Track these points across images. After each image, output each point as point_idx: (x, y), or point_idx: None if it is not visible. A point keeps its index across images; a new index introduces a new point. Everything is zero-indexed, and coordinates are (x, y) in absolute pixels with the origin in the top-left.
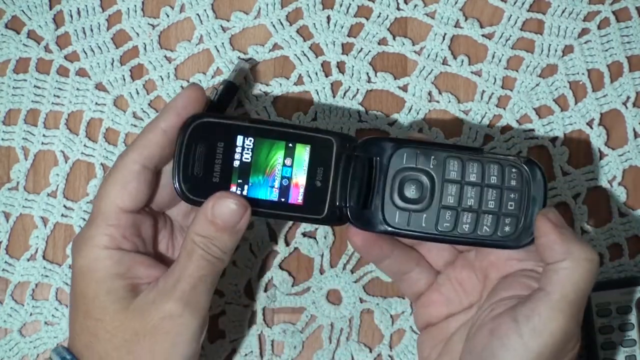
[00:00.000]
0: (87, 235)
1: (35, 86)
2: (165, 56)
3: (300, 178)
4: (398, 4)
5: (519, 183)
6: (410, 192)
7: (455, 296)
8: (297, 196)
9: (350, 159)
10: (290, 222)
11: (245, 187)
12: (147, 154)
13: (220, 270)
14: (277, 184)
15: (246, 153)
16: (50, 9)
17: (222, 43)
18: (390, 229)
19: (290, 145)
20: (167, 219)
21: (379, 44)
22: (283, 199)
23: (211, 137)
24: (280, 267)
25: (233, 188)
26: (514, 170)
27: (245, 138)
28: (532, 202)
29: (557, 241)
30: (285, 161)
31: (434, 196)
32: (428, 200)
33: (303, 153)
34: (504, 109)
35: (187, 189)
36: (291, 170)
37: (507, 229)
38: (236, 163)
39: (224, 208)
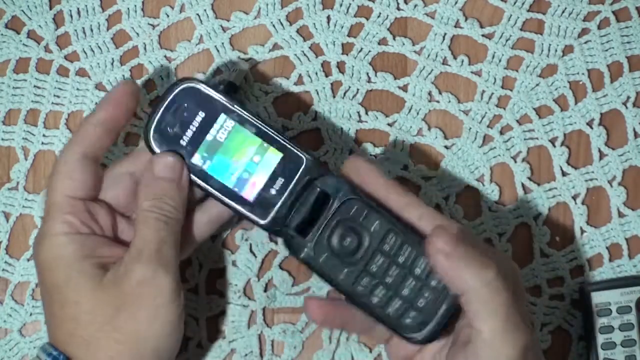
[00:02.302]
0: (44, 229)
1: (35, 86)
2: (165, 56)
3: (260, 178)
4: (398, 4)
5: (439, 286)
6: (345, 242)
7: None
8: (250, 192)
9: (309, 184)
10: None
11: (208, 162)
12: (87, 143)
13: (178, 229)
14: (237, 173)
15: (222, 132)
16: (50, 9)
17: (222, 43)
18: (312, 265)
19: (265, 145)
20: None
21: (379, 44)
22: (237, 189)
23: (195, 103)
24: (280, 267)
25: (197, 157)
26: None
27: (227, 119)
28: (445, 310)
29: (449, 273)
30: (254, 157)
31: (362, 258)
32: (356, 258)
33: (273, 158)
34: (504, 109)
35: (154, 137)
36: (256, 167)
37: (408, 321)
38: (209, 137)
39: (163, 163)
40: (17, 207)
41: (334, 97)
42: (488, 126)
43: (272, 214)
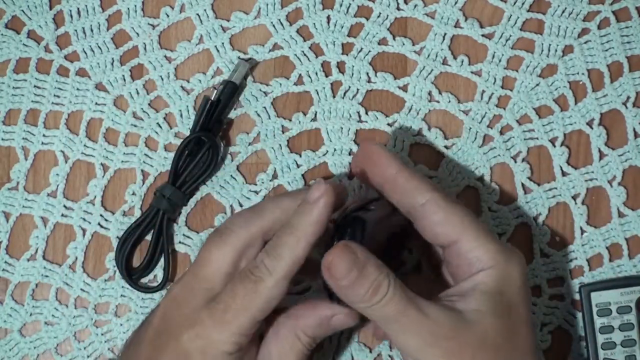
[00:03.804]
0: (214, 336)
1: (35, 86)
2: (165, 56)
3: None
4: (398, 4)
5: None
6: None
7: None
8: None
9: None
10: None
11: None
12: (293, 271)
13: None
14: None
15: None
16: (50, 9)
17: (222, 43)
18: None
19: None
20: None
21: (379, 44)
22: None
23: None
24: None
25: None
26: None
27: None
28: None
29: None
30: None
31: None
32: None
33: None
34: (504, 109)
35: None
36: None
37: None
38: None
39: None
40: (17, 207)
41: (334, 97)
42: (488, 126)
43: None
